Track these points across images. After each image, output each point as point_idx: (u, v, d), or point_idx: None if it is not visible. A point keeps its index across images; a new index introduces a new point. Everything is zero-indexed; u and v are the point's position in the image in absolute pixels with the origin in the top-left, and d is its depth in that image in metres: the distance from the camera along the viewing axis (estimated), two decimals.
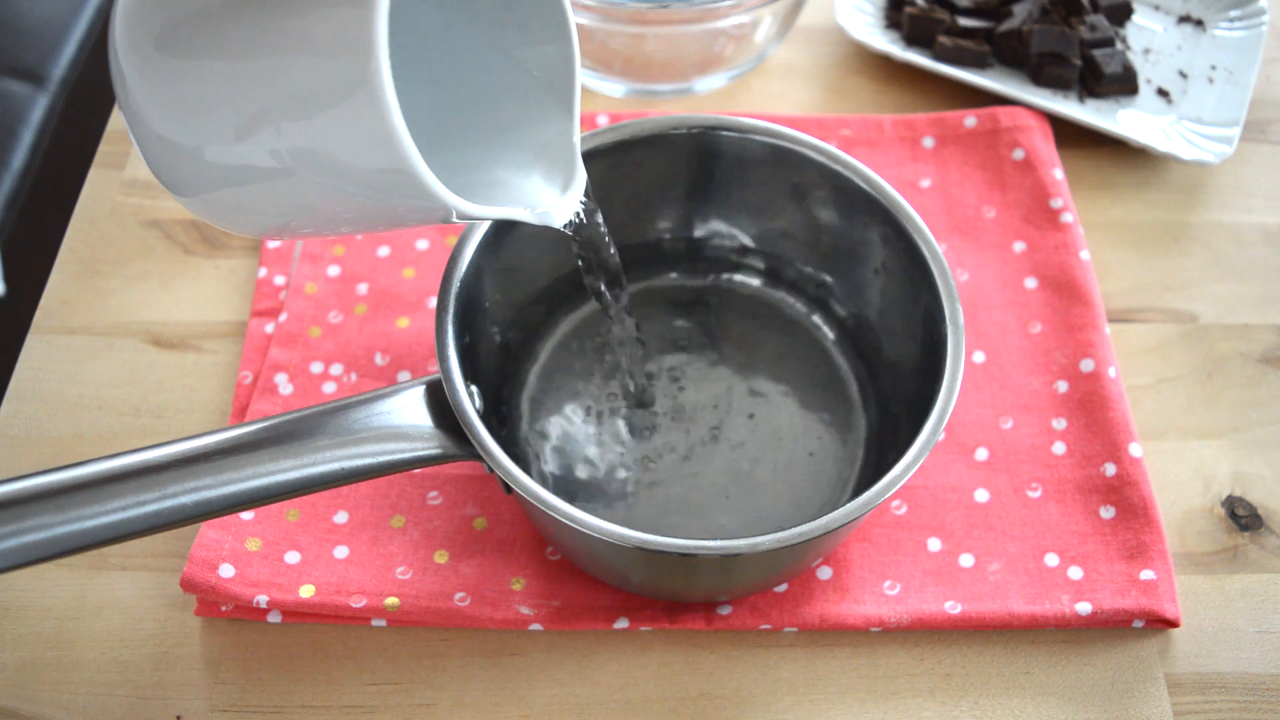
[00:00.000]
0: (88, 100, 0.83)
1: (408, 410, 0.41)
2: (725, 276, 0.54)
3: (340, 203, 0.34)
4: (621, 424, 0.50)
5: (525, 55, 0.40)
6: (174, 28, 0.33)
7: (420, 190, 0.32)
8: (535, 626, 0.45)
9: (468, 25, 0.40)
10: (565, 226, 0.40)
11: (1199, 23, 0.66)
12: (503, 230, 0.46)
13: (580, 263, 0.44)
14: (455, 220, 0.34)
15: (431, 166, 0.32)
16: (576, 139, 0.40)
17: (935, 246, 0.46)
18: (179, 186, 0.35)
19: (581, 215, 0.41)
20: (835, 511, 0.39)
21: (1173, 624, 0.45)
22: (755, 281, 0.54)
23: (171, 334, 0.54)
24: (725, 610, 0.45)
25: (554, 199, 0.40)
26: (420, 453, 0.40)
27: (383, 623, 0.45)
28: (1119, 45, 0.64)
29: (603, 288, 0.45)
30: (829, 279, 0.52)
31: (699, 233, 0.54)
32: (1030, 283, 0.55)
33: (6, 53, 0.81)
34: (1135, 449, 0.49)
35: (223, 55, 0.32)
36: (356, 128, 0.31)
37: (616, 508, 0.48)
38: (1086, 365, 0.51)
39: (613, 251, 0.43)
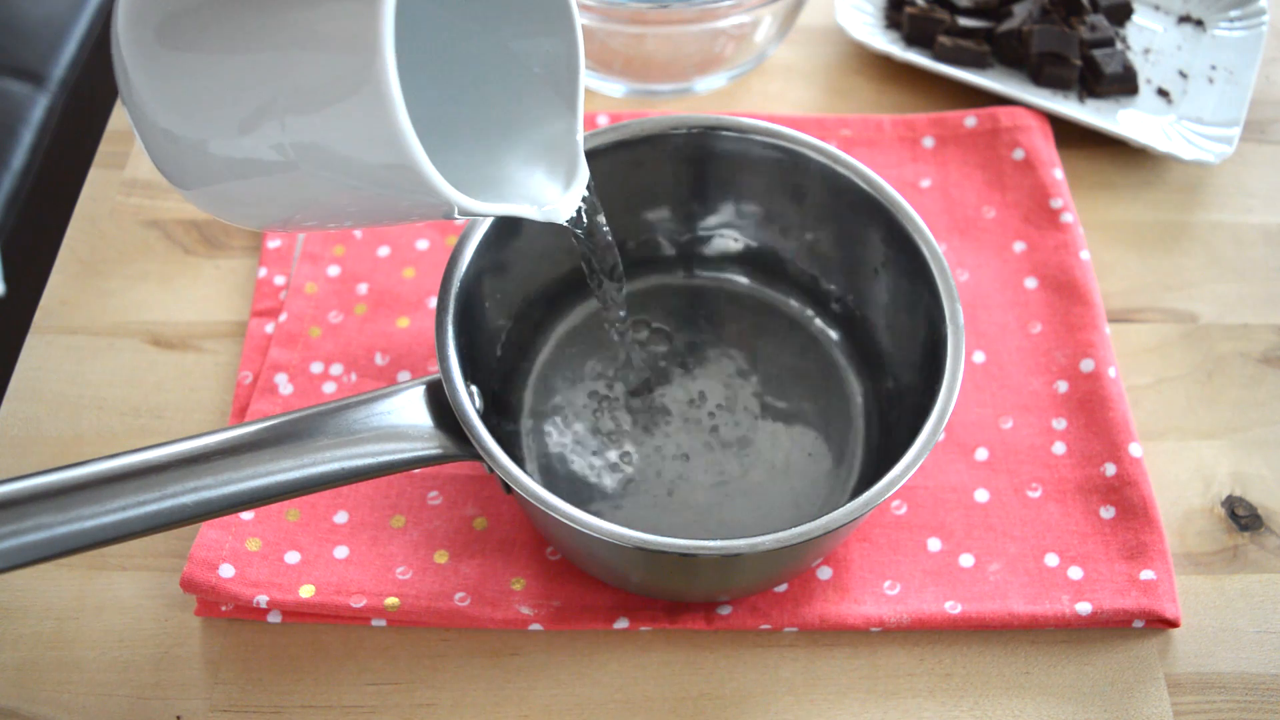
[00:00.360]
0: (88, 100, 0.83)
1: (408, 410, 0.41)
2: (725, 276, 0.54)
3: (344, 197, 0.34)
4: (622, 423, 0.50)
5: (528, 49, 0.39)
6: (176, 19, 0.32)
7: (424, 187, 0.32)
8: (535, 626, 0.45)
9: (471, 19, 0.40)
10: (569, 222, 0.40)
11: (1199, 23, 0.66)
12: (503, 229, 0.46)
13: (582, 257, 0.44)
14: (457, 218, 0.34)
15: (435, 162, 0.32)
16: (579, 135, 0.40)
17: (935, 246, 0.46)
18: (181, 179, 0.35)
19: (584, 212, 0.41)
20: (835, 511, 0.39)
21: (1173, 624, 0.45)
22: (755, 281, 0.54)
23: (171, 334, 0.54)
24: (725, 610, 0.45)
25: (556, 195, 0.40)
26: (420, 453, 0.40)
27: (383, 623, 0.45)
28: (1119, 45, 0.64)
29: (602, 282, 0.45)
30: (829, 279, 0.52)
31: (699, 232, 0.54)
32: (1030, 283, 0.55)
33: (6, 53, 0.81)
34: (1135, 449, 0.49)
35: (225, 49, 0.32)
36: (361, 124, 0.31)
37: (617, 507, 0.48)
38: (1086, 365, 0.51)
39: (611, 244, 0.44)
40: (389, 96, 0.30)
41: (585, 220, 0.41)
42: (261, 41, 0.31)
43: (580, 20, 0.38)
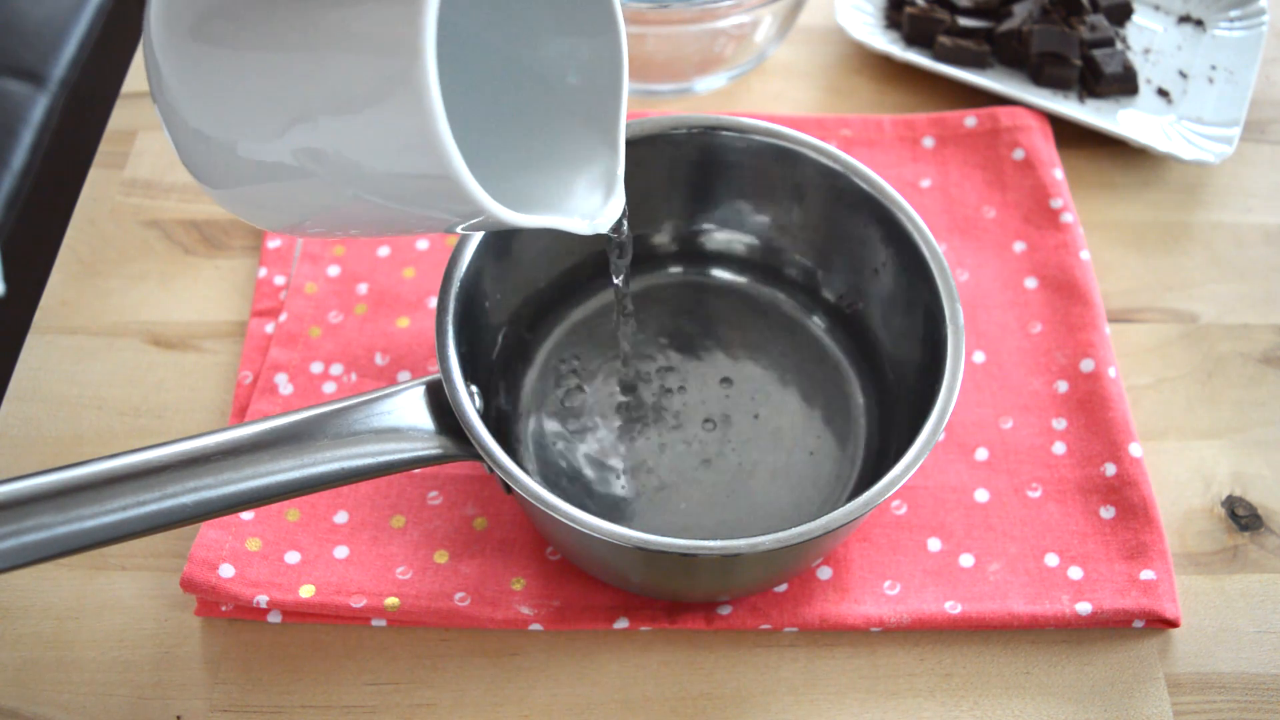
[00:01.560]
0: (88, 100, 0.83)
1: (408, 410, 0.41)
2: (725, 276, 0.54)
3: (378, 207, 0.33)
4: (621, 423, 0.50)
5: (564, 52, 0.39)
6: (212, 16, 0.32)
7: (463, 198, 0.31)
8: (535, 626, 0.45)
9: (508, 24, 0.39)
10: (610, 230, 0.39)
11: (1199, 23, 0.66)
12: (503, 231, 0.46)
13: (610, 253, 0.44)
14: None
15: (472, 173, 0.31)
16: (621, 139, 0.39)
17: (935, 246, 0.46)
18: (210, 179, 0.35)
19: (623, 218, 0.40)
20: (835, 511, 0.39)
21: (1173, 624, 0.45)
22: (755, 281, 0.54)
23: (171, 334, 0.54)
24: (725, 610, 0.45)
25: (596, 205, 0.39)
26: (420, 453, 0.40)
27: (383, 623, 0.45)
28: (1119, 45, 0.64)
29: (621, 271, 0.45)
30: (829, 278, 0.52)
31: (699, 232, 0.54)
32: (1030, 283, 0.55)
33: (6, 53, 0.81)
34: (1135, 449, 0.49)
35: (261, 46, 0.31)
36: (399, 131, 0.30)
37: (616, 507, 0.48)
38: (1086, 365, 0.51)
39: (628, 233, 0.44)
40: (429, 103, 0.29)
41: (625, 225, 0.40)
42: (298, 41, 0.30)
43: (623, 21, 0.37)
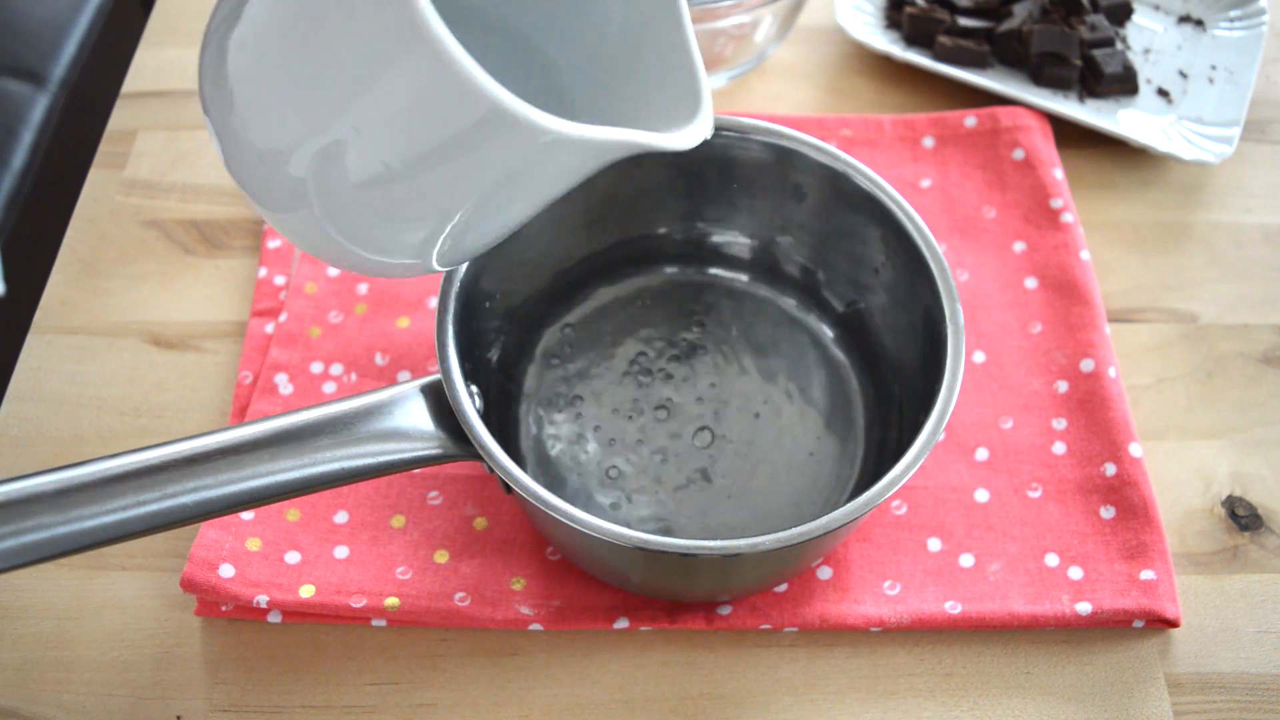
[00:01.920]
0: (88, 100, 0.83)
1: (408, 410, 0.41)
2: (725, 275, 0.54)
3: (450, 190, 0.32)
4: (621, 422, 0.50)
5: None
6: (264, 39, 0.32)
7: (516, 123, 0.29)
8: (535, 626, 0.45)
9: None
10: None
11: (1199, 23, 0.66)
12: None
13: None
14: (589, 163, 0.32)
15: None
16: (694, 51, 0.37)
17: (935, 246, 0.46)
18: (268, 201, 0.34)
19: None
20: (835, 511, 0.39)
21: (1173, 624, 0.45)
22: (755, 281, 0.54)
23: (171, 334, 0.54)
24: (725, 610, 0.45)
25: (682, 119, 0.37)
26: (420, 453, 0.40)
27: (383, 623, 0.45)
28: (1119, 45, 0.64)
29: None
30: (829, 278, 0.52)
31: (699, 232, 0.54)
32: (1030, 283, 0.55)
33: (6, 53, 0.81)
34: (1135, 449, 0.49)
35: (282, 37, 0.31)
36: (424, 80, 0.29)
37: (617, 506, 0.48)
38: (1086, 365, 0.51)
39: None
40: (433, 33, 0.28)
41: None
42: (302, 11, 0.30)
43: None
